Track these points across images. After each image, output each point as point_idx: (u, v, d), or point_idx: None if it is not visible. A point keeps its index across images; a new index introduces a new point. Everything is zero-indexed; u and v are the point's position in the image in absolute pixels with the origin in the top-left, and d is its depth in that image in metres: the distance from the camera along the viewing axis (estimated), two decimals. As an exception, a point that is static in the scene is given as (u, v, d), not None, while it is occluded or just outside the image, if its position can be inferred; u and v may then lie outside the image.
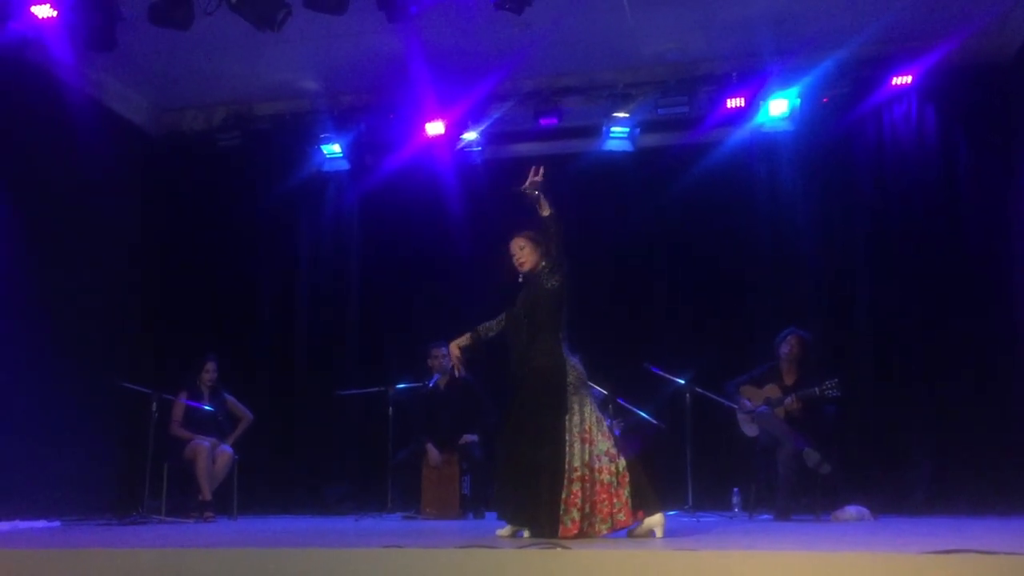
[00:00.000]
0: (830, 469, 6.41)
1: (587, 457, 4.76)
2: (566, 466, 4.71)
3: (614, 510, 4.71)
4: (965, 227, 7.68)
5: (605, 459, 4.77)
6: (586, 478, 4.72)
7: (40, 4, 6.50)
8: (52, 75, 7.37)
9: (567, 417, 4.78)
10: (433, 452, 7.38)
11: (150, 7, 6.52)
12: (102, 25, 6.67)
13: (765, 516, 6.71)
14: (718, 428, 7.32)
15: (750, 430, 6.96)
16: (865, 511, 6.43)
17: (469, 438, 7.42)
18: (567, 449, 4.73)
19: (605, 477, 4.74)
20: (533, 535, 4.63)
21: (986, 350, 7.43)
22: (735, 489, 7.22)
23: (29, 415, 7.11)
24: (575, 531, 4.61)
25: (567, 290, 4.97)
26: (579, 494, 4.68)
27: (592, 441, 4.80)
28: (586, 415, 4.85)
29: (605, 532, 4.69)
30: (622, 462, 4.77)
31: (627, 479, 4.73)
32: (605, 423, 4.96)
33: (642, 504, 4.73)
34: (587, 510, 4.68)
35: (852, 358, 7.74)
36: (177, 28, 6.59)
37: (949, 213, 7.75)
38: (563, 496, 4.66)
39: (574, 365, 4.93)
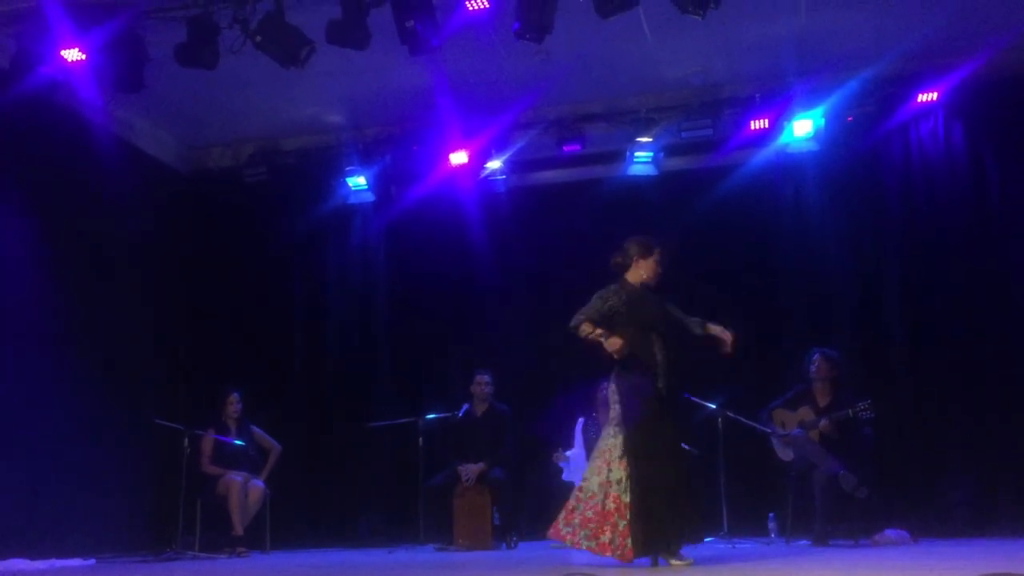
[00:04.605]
0: (867, 493, 6.30)
1: (603, 478, 5.02)
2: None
3: (602, 533, 4.91)
4: (996, 242, 7.57)
5: (619, 487, 4.97)
6: (592, 496, 5.01)
7: (69, 48, 6.61)
8: (81, 116, 7.50)
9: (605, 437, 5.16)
10: (465, 469, 7.33)
11: (177, 48, 6.61)
12: (130, 67, 6.76)
13: (803, 541, 6.61)
14: (751, 453, 7.23)
15: (785, 455, 6.88)
16: (905, 535, 6.33)
17: (494, 473, 7.40)
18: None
19: (610, 504, 4.94)
20: None
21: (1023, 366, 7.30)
22: (771, 514, 7.11)
23: (62, 454, 7.17)
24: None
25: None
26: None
27: (610, 467, 5.03)
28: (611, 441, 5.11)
29: (585, 547, 4.94)
30: (627, 497, 4.92)
31: (628, 513, 4.89)
32: None
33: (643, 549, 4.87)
34: (576, 522, 4.98)
35: (888, 378, 7.63)
36: (204, 68, 6.67)
37: (979, 228, 7.65)
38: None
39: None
